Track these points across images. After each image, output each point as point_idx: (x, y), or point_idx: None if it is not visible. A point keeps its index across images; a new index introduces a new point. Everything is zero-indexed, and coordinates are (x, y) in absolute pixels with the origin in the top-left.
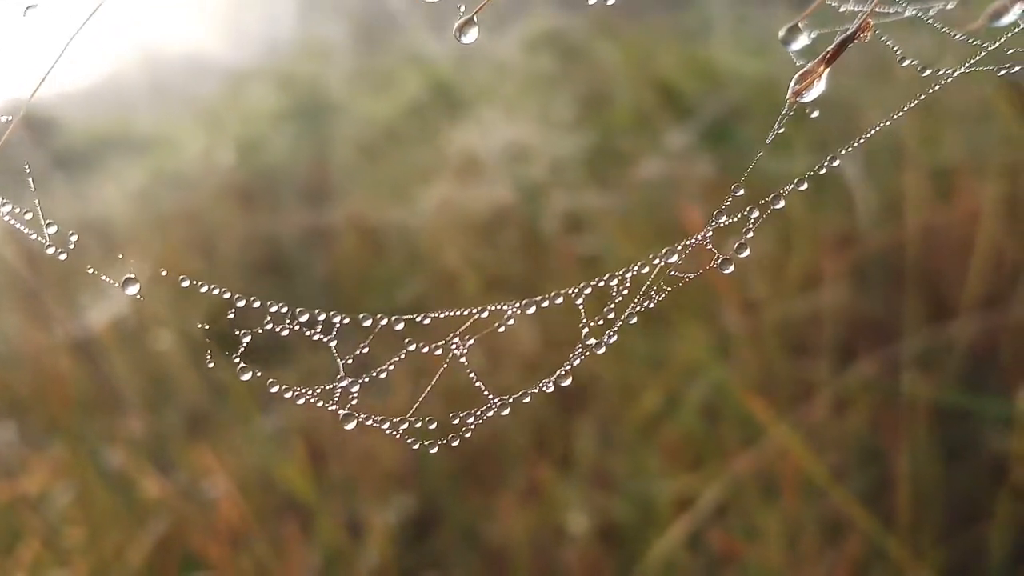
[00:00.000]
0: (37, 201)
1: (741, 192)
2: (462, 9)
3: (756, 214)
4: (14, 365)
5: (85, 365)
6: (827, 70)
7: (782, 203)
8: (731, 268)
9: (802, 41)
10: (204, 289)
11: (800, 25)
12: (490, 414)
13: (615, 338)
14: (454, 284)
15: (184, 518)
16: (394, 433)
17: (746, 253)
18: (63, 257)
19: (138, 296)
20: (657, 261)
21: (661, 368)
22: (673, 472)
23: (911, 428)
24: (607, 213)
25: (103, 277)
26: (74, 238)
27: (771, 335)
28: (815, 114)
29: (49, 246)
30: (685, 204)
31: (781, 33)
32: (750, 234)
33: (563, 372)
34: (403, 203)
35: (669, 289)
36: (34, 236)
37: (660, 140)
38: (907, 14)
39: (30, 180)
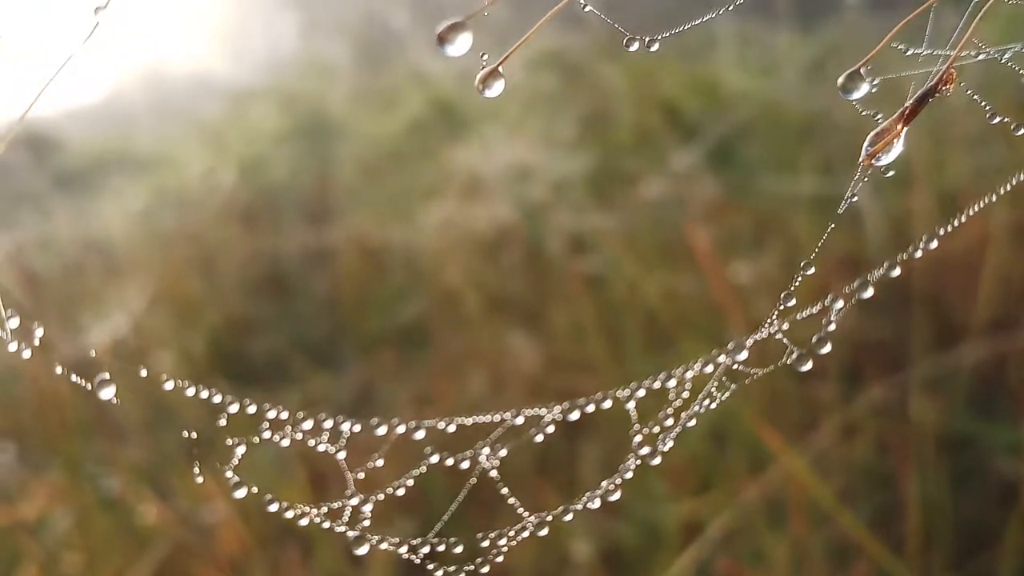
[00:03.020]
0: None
1: (812, 271)
2: (484, 58)
3: (839, 304)
4: (13, 389)
5: (84, 389)
6: (905, 129)
7: (870, 291)
8: (808, 365)
9: (864, 89)
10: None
11: (862, 71)
12: (525, 534)
13: (670, 444)
14: (456, 304)
15: (184, 544)
16: (413, 558)
17: (827, 349)
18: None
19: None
20: (723, 358)
21: (665, 390)
22: (679, 497)
23: (919, 453)
24: (611, 233)
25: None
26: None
27: (778, 358)
28: (890, 173)
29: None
30: (692, 224)
31: (840, 80)
32: (831, 327)
33: (611, 486)
34: (405, 222)
35: (734, 386)
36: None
37: (663, 160)
38: (980, 57)
39: None
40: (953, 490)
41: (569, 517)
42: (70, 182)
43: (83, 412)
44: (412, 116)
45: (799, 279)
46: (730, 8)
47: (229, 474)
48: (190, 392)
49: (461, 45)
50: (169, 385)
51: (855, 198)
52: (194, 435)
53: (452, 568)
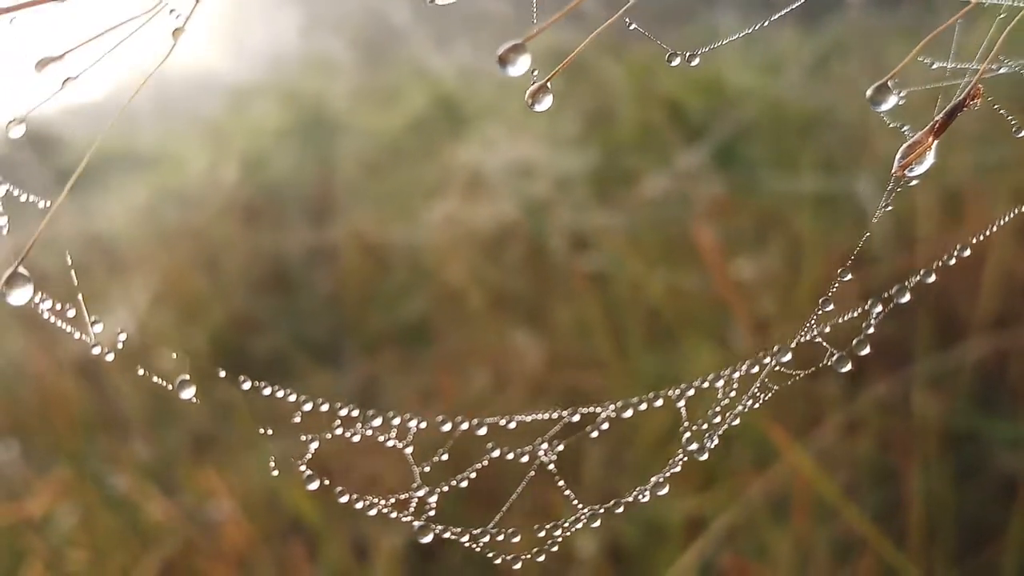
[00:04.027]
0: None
1: (849, 277)
2: (535, 74)
3: (879, 309)
4: (18, 386)
5: (89, 386)
6: (936, 141)
7: (907, 297)
8: (848, 367)
9: (892, 101)
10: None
11: (889, 84)
12: (579, 526)
13: (716, 442)
14: (459, 301)
15: (189, 541)
16: (474, 546)
17: (866, 351)
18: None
19: (193, 399)
20: (768, 360)
21: (669, 387)
22: (682, 494)
23: (922, 449)
24: (614, 230)
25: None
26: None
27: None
28: (915, 182)
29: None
30: (697, 221)
31: (868, 92)
32: (871, 330)
33: (660, 479)
34: (407, 219)
35: (776, 388)
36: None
37: (666, 158)
38: (1003, 71)
39: None
40: (956, 485)
41: (619, 510)
42: (74, 181)
43: (88, 410)
44: (414, 113)
45: (836, 285)
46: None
47: (303, 467)
48: (246, 386)
49: (521, 66)
50: (222, 374)
51: (889, 207)
52: (270, 431)
53: (510, 556)
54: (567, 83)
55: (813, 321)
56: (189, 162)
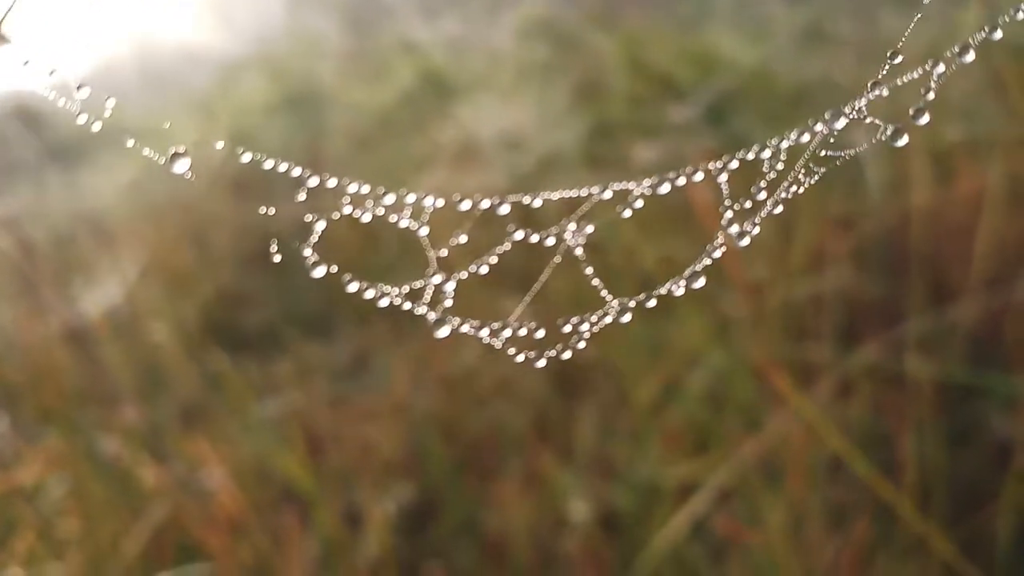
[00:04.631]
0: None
1: (900, 59)
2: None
3: (941, 68)
4: (8, 356)
5: (79, 355)
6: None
7: (971, 55)
8: (905, 139)
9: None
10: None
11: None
12: (607, 320)
13: (757, 229)
14: (449, 272)
15: (181, 508)
16: (494, 342)
17: (924, 119)
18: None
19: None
20: (819, 127)
21: (661, 353)
22: (675, 459)
23: (916, 411)
24: (605, 197)
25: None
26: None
27: (773, 319)
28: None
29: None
30: (694, 186)
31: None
32: (931, 95)
33: (697, 270)
34: (396, 192)
35: (823, 170)
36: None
37: (656, 127)
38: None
39: None
40: (949, 449)
41: (652, 303)
42: (62, 154)
43: (78, 378)
44: (402, 86)
45: (886, 68)
46: None
47: (308, 252)
48: (268, 165)
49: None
50: (247, 158)
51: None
52: (272, 210)
53: (532, 353)
54: (556, 55)
55: (862, 103)
56: (177, 137)
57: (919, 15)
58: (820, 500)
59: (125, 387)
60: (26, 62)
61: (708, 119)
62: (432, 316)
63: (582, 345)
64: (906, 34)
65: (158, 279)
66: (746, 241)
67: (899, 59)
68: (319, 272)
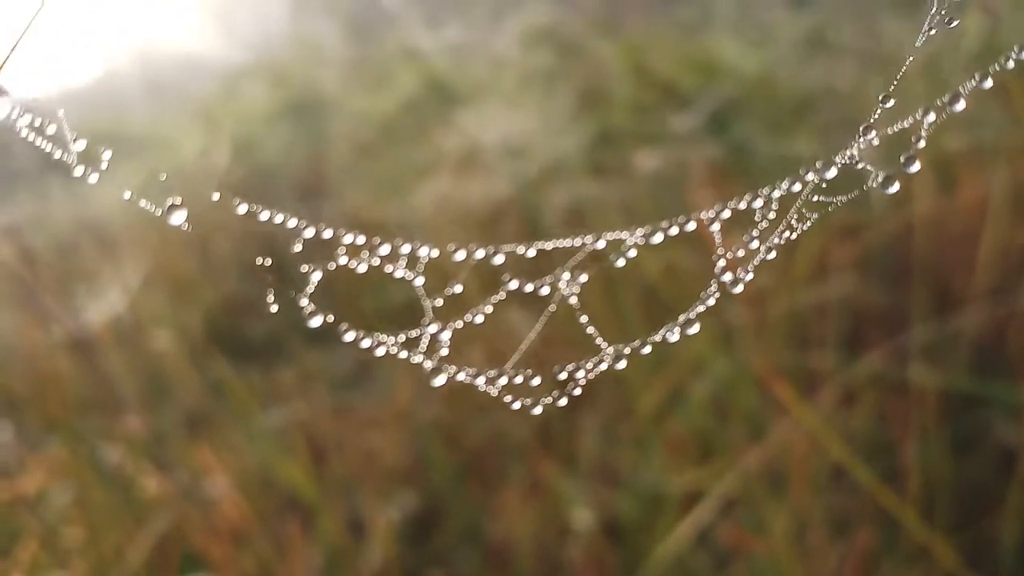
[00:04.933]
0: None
1: (892, 103)
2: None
3: (931, 118)
4: (11, 365)
5: (82, 364)
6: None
7: (961, 104)
8: (895, 187)
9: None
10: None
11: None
12: (603, 367)
13: (751, 275)
14: (451, 280)
15: (184, 517)
16: (490, 390)
17: (915, 167)
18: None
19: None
20: (810, 176)
21: (665, 361)
22: (679, 467)
23: (919, 419)
24: (608, 206)
25: None
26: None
27: (777, 327)
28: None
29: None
30: (693, 191)
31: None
32: (921, 143)
33: (692, 317)
34: (399, 200)
35: (815, 216)
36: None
37: (659, 133)
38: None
39: None
40: (954, 455)
41: (647, 350)
42: (64, 163)
43: (82, 387)
44: (405, 93)
45: (878, 112)
46: None
47: (304, 302)
48: (263, 216)
49: None
50: (242, 209)
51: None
52: (268, 261)
53: (529, 401)
54: (559, 62)
55: (856, 142)
56: (180, 145)
57: (925, 34)
58: (824, 508)
59: (128, 396)
60: (18, 117)
61: (710, 127)
62: (428, 365)
63: (577, 392)
64: (907, 62)
65: (161, 287)
66: (739, 288)
67: (891, 103)
68: (315, 322)
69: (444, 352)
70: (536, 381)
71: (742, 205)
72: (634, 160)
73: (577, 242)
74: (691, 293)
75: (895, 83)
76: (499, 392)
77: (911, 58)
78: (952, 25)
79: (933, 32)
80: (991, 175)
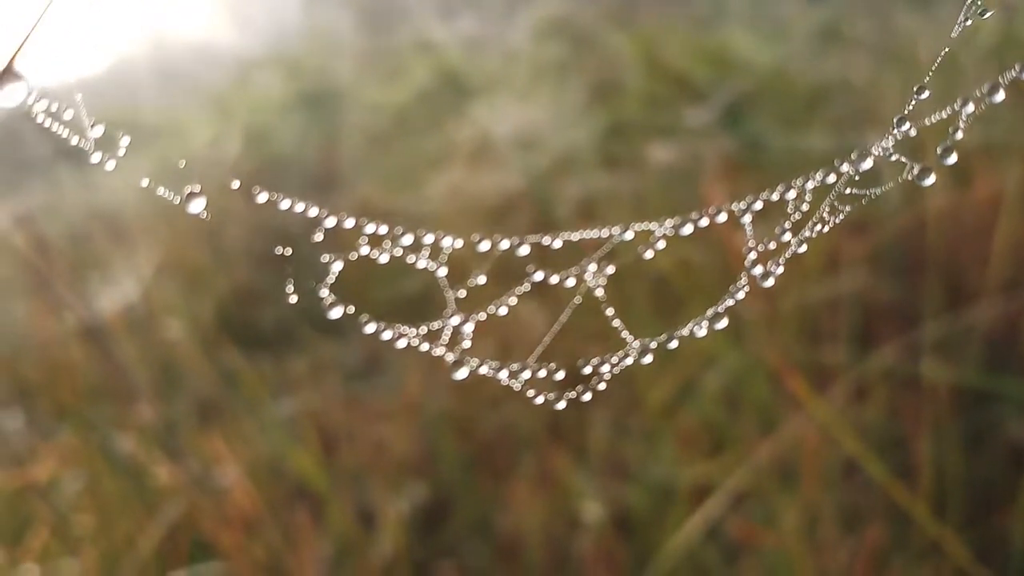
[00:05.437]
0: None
1: (926, 94)
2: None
3: (970, 108)
4: (24, 352)
5: (95, 353)
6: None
7: (1001, 94)
8: (932, 179)
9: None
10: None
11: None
12: (628, 361)
13: (781, 269)
14: (463, 271)
15: (195, 506)
16: (513, 383)
17: (952, 159)
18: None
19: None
20: (845, 167)
21: (676, 354)
22: (690, 460)
23: (931, 414)
24: (620, 198)
25: None
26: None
27: (789, 321)
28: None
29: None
30: (707, 183)
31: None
32: (958, 134)
33: (720, 311)
34: (412, 190)
35: (848, 208)
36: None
37: (672, 126)
38: None
39: None
40: (965, 451)
41: (674, 344)
42: (76, 151)
43: (93, 375)
44: (418, 85)
45: (912, 104)
46: None
47: (324, 292)
48: (284, 205)
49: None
50: (263, 198)
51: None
52: (288, 251)
53: (552, 395)
54: (572, 53)
55: (888, 143)
56: (193, 134)
57: (961, 24)
58: (835, 503)
59: (140, 384)
60: (35, 103)
61: (724, 120)
62: (451, 357)
63: (602, 386)
64: (932, 68)
65: (173, 276)
66: (770, 282)
67: (926, 94)
68: (336, 313)
69: (467, 344)
70: (560, 375)
71: (775, 196)
72: (647, 153)
73: (604, 233)
74: (702, 286)
75: (930, 74)
76: (522, 386)
77: (946, 49)
78: (985, 16)
79: (969, 23)
80: (1004, 171)
